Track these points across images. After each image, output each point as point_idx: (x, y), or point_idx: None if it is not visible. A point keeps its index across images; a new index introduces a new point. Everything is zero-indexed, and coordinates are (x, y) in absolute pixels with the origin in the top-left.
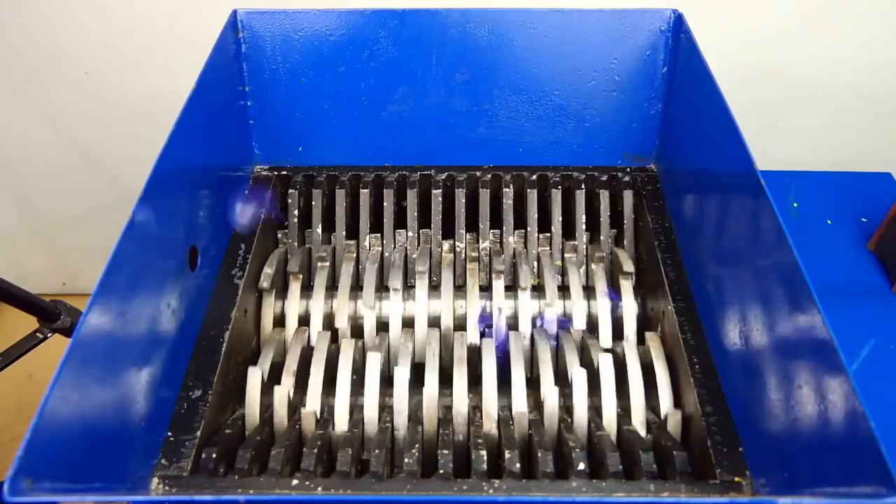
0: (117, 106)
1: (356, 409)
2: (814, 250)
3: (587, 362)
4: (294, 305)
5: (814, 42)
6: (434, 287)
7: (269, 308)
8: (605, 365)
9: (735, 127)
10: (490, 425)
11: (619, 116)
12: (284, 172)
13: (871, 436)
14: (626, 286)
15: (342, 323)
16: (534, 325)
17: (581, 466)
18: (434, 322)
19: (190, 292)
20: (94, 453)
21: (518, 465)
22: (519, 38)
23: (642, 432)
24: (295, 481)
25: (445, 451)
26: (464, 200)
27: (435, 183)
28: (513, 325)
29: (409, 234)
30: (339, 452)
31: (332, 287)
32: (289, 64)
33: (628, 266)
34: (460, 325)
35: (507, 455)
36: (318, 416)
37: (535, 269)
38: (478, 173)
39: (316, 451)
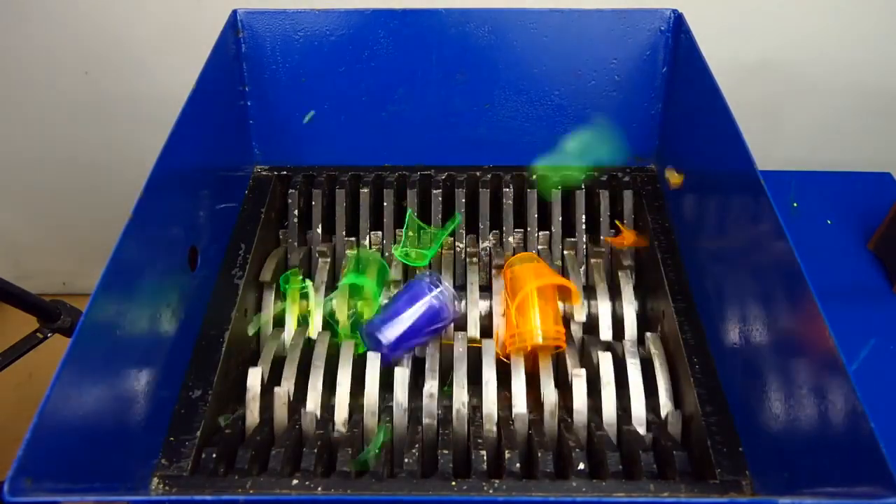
0: (117, 106)
1: (356, 409)
2: (814, 250)
3: (587, 362)
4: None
5: (814, 42)
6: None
7: (269, 307)
8: (605, 365)
9: (735, 127)
10: (490, 425)
11: (619, 116)
12: (284, 172)
13: (871, 436)
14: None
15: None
16: None
17: (581, 466)
18: None
19: (190, 292)
20: (94, 453)
21: (518, 465)
22: (519, 38)
23: (642, 432)
24: (295, 481)
25: (445, 451)
26: (464, 200)
27: (435, 183)
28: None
29: (410, 233)
30: (339, 452)
31: (332, 287)
32: (289, 64)
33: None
34: (460, 324)
35: (507, 455)
36: (318, 416)
37: None
38: (478, 173)
39: (316, 451)
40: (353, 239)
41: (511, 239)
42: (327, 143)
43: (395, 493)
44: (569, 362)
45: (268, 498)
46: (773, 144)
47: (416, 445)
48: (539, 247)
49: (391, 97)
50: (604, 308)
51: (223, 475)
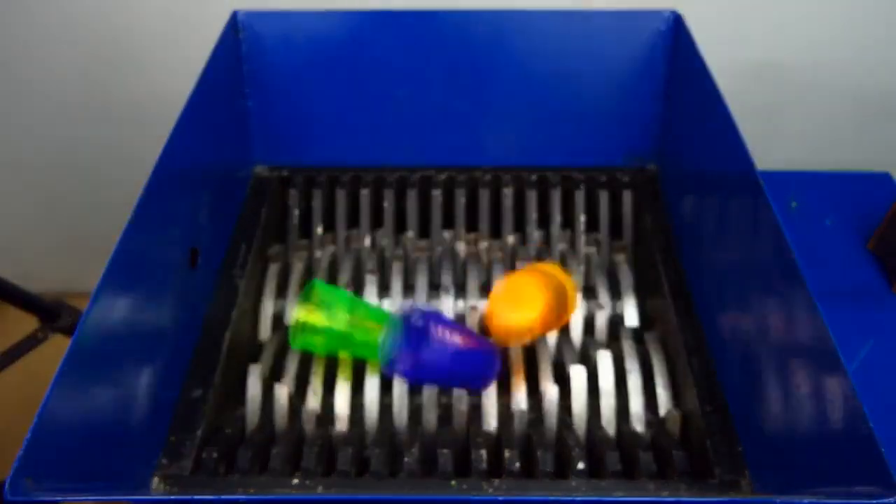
0: (117, 106)
1: (356, 408)
2: (813, 250)
3: (586, 362)
4: (293, 306)
5: (814, 43)
6: (434, 287)
7: (269, 308)
8: (604, 364)
9: (735, 127)
10: (490, 425)
11: (619, 116)
12: (284, 173)
13: (870, 436)
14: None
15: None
16: None
17: (581, 466)
18: None
19: (190, 292)
20: (94, 453)
21: (518, 464)
22: (519, 39)
23: (642, 432)
24: (295, 480)
25: (445, 451)
26: (464, 200)
27: (435, 183)
28: None
29: (409, 234)
30: (339, 452)
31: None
32: (289, 64)
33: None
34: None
35: (507, 454)
36: (319, 415)
37: None
38: (478, 173)
39: (316, 450)
40: (355, 247)
41: (511, 239)
42: (327, 143)
43: (395, 493)
44: (568, 361)
45: (268, 498)
46: (772, 145)
47: (416, 445)
48: (539, 248)
49: (391, 98)
50: (603, 308)
51: (224, 475)
